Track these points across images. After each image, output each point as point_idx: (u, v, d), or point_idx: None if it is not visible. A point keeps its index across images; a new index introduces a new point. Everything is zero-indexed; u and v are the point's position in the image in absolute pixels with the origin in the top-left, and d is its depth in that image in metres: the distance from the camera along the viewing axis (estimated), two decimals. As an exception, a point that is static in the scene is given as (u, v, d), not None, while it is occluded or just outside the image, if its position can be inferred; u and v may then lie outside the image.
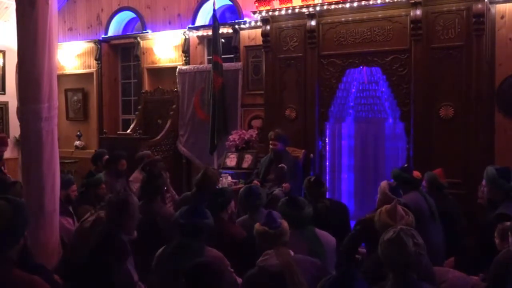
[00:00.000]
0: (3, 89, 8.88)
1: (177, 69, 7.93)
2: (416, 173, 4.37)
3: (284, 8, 6.23)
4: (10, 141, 7.67)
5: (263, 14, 6.39)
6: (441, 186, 4.42)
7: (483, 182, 3.88)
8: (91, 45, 8.99)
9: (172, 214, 3.80)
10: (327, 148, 6.44)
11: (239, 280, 2.93)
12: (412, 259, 2.18)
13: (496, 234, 3.04)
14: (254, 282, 2.69)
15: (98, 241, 2.92)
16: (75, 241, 3.52)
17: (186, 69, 7.90)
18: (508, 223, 2.96)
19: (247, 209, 3.88)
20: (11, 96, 8.16)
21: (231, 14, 7.97)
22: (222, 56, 7.16)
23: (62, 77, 8.52)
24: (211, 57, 7.34)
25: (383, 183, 3.82)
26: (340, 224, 4.05)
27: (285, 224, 2.83)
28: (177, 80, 7.92)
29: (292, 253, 2.72)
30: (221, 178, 6.35)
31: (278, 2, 6.34)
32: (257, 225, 2.86)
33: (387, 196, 3.62)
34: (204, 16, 7.97)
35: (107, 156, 5.89)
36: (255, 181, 5.49)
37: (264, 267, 2.66)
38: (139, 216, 3.15)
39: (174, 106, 7.91)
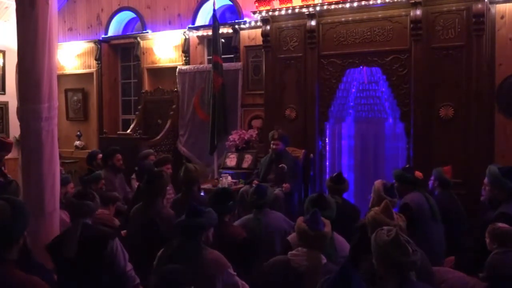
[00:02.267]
0: (3, 89, 8.88)
1: (177, 69, 7.93)
2: (418, 173, 4.37)
3: (284, 8, 6.23)
4: (10, 141, 7.66)
5: (263, 14, 6.39)
6: (447, 183, 4.42)
7: (485, 181, 3.87)
8: (91, 45, 8.99)
9: (172, 215, 3.80)
10: (327, 148, 6.43)
11: (240, 282, 2.93)
12: (412, 258, 2.18)
13: (487, 234, 3.03)
14: (276, 270, 2.74)
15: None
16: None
17: (186, 69, 7.90)
18: (499, 225, 2.96)
19: (253, 208, 3.87)
20: (11, 96, 8.14)
21: (231, 14, 7.97)
22: (222, 56, 7.15)
23: (62, 77, 8.52)
24: (211, 57, 7.33)
25: (378, 184, 3.80)
26: (347, 224, 4.01)
27: (327, 228, 2.78)
28: (177, 80, 7.92)
29: (324, 260, 2.69)
30: (221, 178, 6.36)
31: (278, 2, 6.34)
32: (299, 220, 2.82)
33: (382, 197, 3.62)
34: (204, 16, 7.97)
35: (101, 155, 5.95)
36: (255, 181, 5.48)
37: (292, 261, 2.68)
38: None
39: (174, 106, 7.91)
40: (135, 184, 5.56)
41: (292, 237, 3.28)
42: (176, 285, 2.23)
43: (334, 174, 4.54)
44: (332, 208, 3.33)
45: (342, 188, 4.42)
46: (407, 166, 4.63)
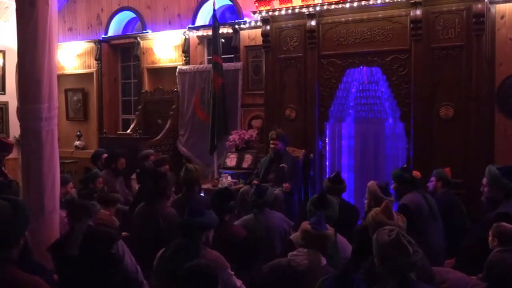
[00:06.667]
0: (3, 89, 8.88)
1: (177, 69, 7.93)
2: (416, 173, 4.38)
3: (284, 8, 6.23)
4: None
5: (263, 14, 6.39)
6: (449, 182, 4.44)
7: (484, 181, 3.87)
8: (91, 45, 8.98)
9: (175, 215, 3.79)
10: (327, 148, 6.44)
11: (239, 283, 2.92)
12: (412, 259, 2.18)
13: (491, 231, 3.05)
14: (275, 270, 2.76)
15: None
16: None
17: (186, 69, 7.90)
18: (504, 224, 2.97)
19: (253, 208, 3.87)
20: (11, 96, 8.15)
21: (231, 14, 7.96)
22: (222, 56, 7.15)
23: (62, 77, 8.51)
24: (211, 57, 7.33)
25: (372, 185, 3.80)
26: (347, 224, 4.01)
27: (330, 231, 2.80)
28: (177, 80, 7.92)
29: (324, 261, 2.70)
30: (221, 178, 6.36)
31: (278, 2, 6.34)
32: (305, 222, 2.86)
33: (378, 198, 3.62)
34: (204, 16, 7.97)
35: (105, 155, 5.94)
36: (255, 181, 5.49)
37: (292, 261, 2.69)
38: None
39: (174, 106, 7.91)
40: (135, 185, 5.55)
41: (294, 236, 3.28)
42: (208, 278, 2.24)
43: (332, 175, 4.52)
44: (334, 208, 3.35)
45: (340, 188, 4.42)
46: (404, 166, 4.62)
